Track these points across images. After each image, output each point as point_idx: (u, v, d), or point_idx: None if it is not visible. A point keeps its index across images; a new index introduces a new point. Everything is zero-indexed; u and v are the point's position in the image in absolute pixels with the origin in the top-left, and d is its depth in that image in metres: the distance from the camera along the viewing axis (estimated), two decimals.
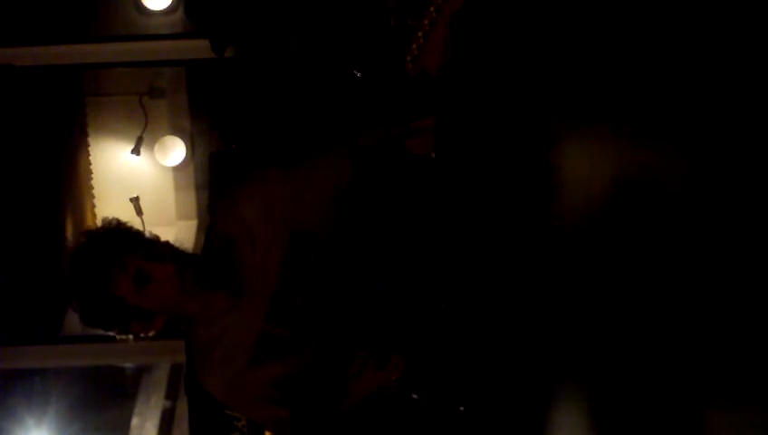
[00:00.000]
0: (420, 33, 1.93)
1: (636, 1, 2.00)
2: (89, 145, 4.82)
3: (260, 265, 2.10)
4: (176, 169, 4.89)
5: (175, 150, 4.79)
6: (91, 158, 4.84)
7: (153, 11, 4.27)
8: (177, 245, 2.11)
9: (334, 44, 3.21)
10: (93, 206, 4.82)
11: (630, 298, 1.99)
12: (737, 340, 1.53)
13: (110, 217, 2.09)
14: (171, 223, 4.90)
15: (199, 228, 4.87)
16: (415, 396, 2.20)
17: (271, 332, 2.11)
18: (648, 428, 1.93)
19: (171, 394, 4.03)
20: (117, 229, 2.06)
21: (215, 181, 4.11)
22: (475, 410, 2.20)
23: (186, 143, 4.80)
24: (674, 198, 1.78)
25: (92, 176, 4.85)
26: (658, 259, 1.83)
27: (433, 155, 2.19)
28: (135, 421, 3.98)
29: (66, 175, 4.63)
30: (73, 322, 4.24)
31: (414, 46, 1.95)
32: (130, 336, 2.09)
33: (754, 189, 1.46)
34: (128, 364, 4.18)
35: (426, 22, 1.91)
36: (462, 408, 2.20)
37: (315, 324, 2.13)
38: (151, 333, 2.08)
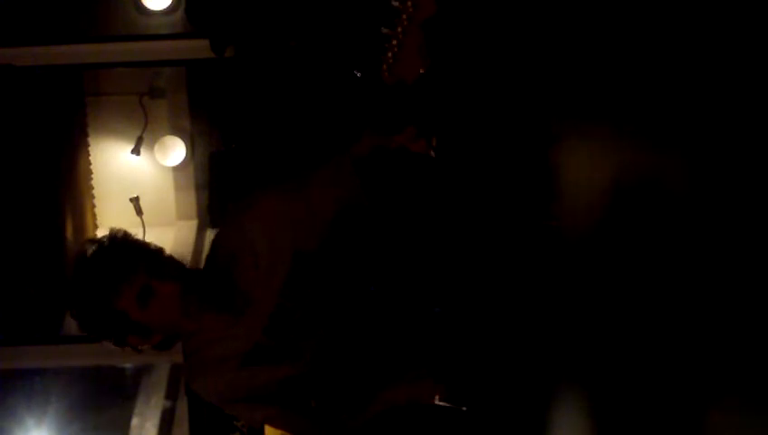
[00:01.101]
0: (394, 42, 1.90)
1: (635, 1, 2.00)
2: (89, 145, 4.82)
3: (262, 285, 2.10)
4: (176, 169, 4.89)
5: (175, 150, 4.79)
6: (91, 158, 4.83)
7: (153, 11, 4.27)
8: (178, 258, 2.11)
9: (334, 45, 3.21)
10: (93, 206, 4.81)
11: (631, 298, 1.99)
12: (738, 340, 1.53)
13: (117, 229, 2.08)
14: (171, 223, 4.90)
15: (199, 228, 4.86)
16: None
17: (264, 343, 2.11)
18: (648, 428, 1.93)
19: (171, 394, 4.03)
20: (124, 242, 2.05)
21: (218, 184, 4.12)
22: (476, 410, 2.20)
23: (186, 143, 4.80)
24: (674, 199, 1.78)
25: (92, 176, 4.84)
26: (659, 259, 1.83)
27: (432, 154, 2.18)
28: (135, 421, 3.98)
29: (66, 175, 4.63)
30: (73, 322, 4.24)
31: (389, 55, 1.92)
32: (126, 347, 2.08)
33: (755, 190, 1.46)
34: (128, 364, 4.17)
35: (399, 30, 1.88)
36: (464, 408, 2.20)
37: (308, 335, 2.13)
38: (146, 347, 2.08)
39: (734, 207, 1.54)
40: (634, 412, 2.00)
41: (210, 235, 4.69)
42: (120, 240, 2.05)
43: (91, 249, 2.04)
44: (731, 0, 1.53)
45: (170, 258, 2.09)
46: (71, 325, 4.11)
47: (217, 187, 4.38)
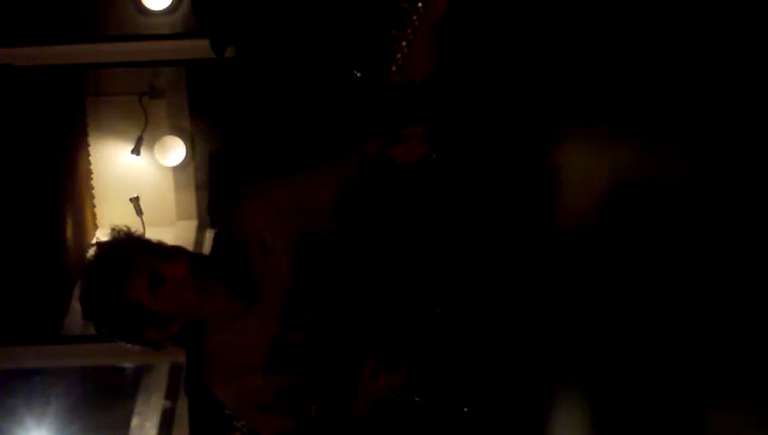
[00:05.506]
0: (404, 43, 1.90)
1: (635, 1, 2.00)
2: (89, 145, 4.82)
3: (271, 270, 2.09)
4: (176, 169, 4.89)
5: (175, 150, 4.79)
6: (91, 158, 4.84)
7: (153, 11, 4.28)
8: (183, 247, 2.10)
9: (334, 45, 3.21)
10: (93, 206, 4.82)
11: (630, 298, 1.99)
12: (737, 340, 1.53)
13: (118, 227, 2.06)
14: (171, 223, 4.90)
15: (199, 228, 4.87)
16: (418, 399, 2.20)
17: (283, 337, 2.09)
18: (648, 428, 1.93)
19: (171, 394, 4.03)
20: (127, 236, 2.04)
21: (218, 184, 4.11)
22: (478, 410, 2.20)
23: (186, 143, 4.80)
24: (673, 198, 1.78)
25: (92, 176, 4.85)
26: (658, 259, 1.83)
27: (434, 156, 2.18)
28: (135, 421, 3.98)
29: (66, 175, 4.63)
30: (73, 322, 4.24)
31: (399, 56, 1.92)
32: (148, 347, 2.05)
33: (754, 189, 1.46)
34: (128, 364, 4.17)
35: (409, 31, 1.87)
36: (465, 409, 2.20)
37: (328, 329, 2.12)
38: (167, 342, 2.05)
39: (733, 206, 1.54)
40: (634, 412, 2.00)
41: (210, 235, 4.70)
42: (122, 235, 2.04)
43: (93, 250, 2.03)
44: (731, 0, 1.53)
45: (173, 245, 2.07)
46: (71, 325, 4.12)
47: (217, 187, 4.38)
